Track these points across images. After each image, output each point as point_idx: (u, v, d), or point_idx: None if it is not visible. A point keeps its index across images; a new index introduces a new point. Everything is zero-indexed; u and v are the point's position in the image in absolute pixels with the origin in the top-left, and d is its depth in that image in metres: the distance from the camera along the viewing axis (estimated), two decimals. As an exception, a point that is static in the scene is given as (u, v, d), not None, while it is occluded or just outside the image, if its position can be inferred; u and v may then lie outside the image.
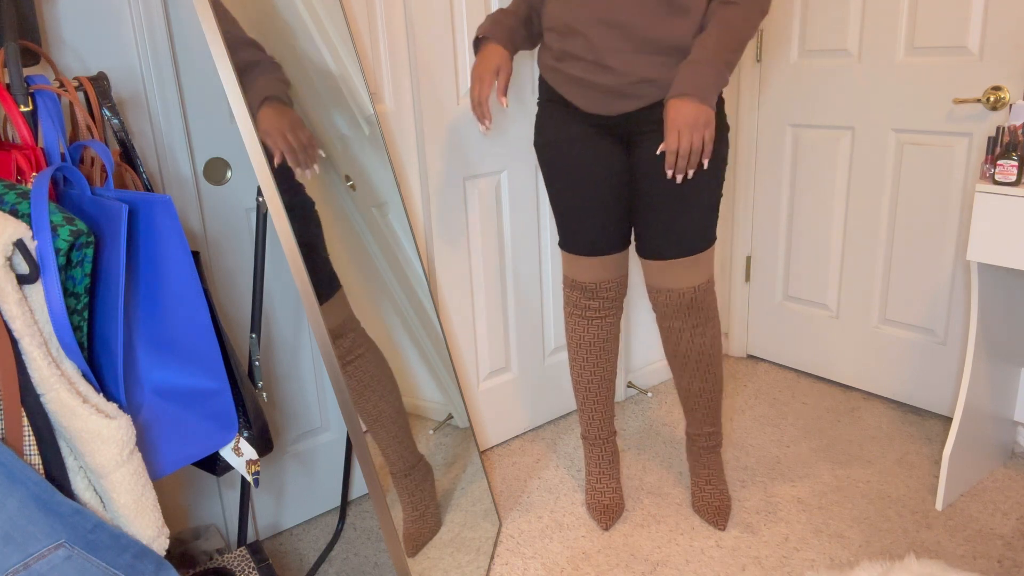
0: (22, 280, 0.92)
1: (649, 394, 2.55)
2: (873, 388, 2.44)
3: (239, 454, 1.25)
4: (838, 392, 2.50)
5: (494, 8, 1.98)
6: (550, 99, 1.69)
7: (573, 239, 1.75)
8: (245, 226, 1.71)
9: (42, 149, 1.12)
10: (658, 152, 1.56)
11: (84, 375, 0.99)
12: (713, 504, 1.89)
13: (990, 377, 1.90)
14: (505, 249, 2.15)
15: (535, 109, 2.12)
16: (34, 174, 1.08)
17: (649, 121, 1.60)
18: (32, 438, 0.93)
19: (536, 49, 1.82)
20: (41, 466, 0.94)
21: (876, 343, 2.39)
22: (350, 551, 1.83)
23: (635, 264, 2.45)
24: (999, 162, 1.64)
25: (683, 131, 1.44)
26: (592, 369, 1.87)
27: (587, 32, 1.52)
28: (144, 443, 1.10)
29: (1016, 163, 1.62)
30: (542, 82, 1.70)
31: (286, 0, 1.55)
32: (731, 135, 2.60)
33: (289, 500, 1.91)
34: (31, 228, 0.93)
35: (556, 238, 2.24)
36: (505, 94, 1.60)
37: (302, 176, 1.45)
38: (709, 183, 1.61)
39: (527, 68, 2.07)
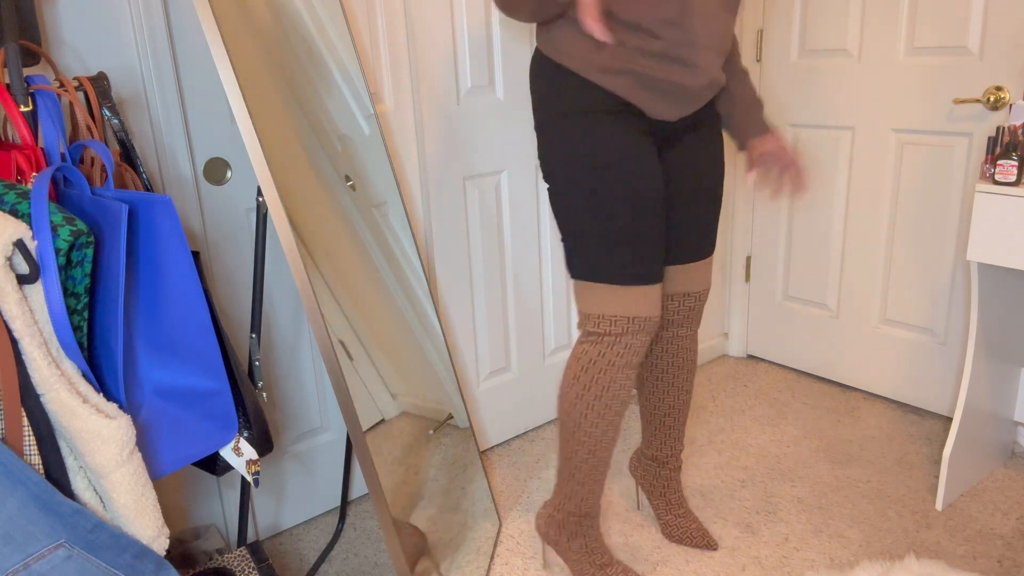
0: (22, 280, 0.92)
1: (649, 394, 2.55)
2: (873, 388, 2.44)
3: (239, 454, 1.25)
4: (838, 392, 2.50)
5: (494, 9, 1.98)
6: (601, 109, 1.42)
7: (635, 265, 1.48)
8: (245, 226, 1.71)
9: (42, 149, 1.12)
10: (757, 175, 1.58)
11: (84, 375, 0.99)
12: (695, 528, 1.79)
13: (990, 377, 1.90)
14: (505, 249, 2.15)
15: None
16: (34, 174, 1.08)
17: (691, 122, 1.53)
18: (32, 438, 0.93)
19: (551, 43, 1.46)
20: (41, 466, 0.94)
21: (876, 343, 2.39)
22: (350, 551, 1.83)
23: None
24: (999, 162, 1.64)
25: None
26: (616, 430, 1.56)
27: (657, 30, 1.34)
28: (144, 443, 1.10)
29: (1016, 163, 1.62)
30: (590, 88, 1.42)
31: (286, 1, 1.55)
32: (731, 135, 2.60)
33: (289, 500, 1.91)
34: (31, 228, 0.93)
35: (557, 237, 2.24)
36: None
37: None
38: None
39: (522, 65, 2.07)
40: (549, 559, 1.76)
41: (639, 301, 1.49)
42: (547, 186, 1.53)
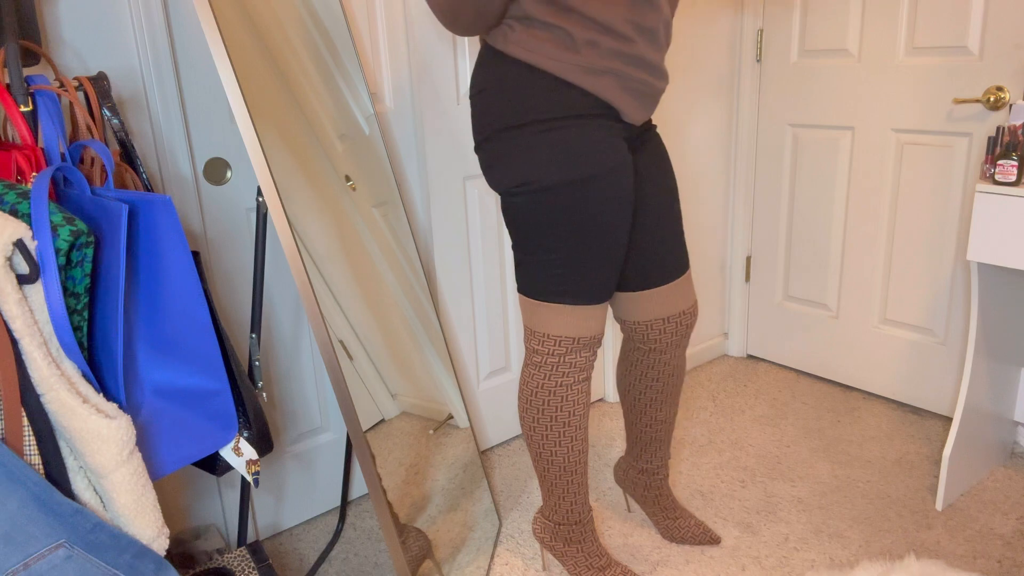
0: (22, 280, 0.92)
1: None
2: (873, 388, 2.44)
3: (239, 454, 1.25)
4: (838, 392, 2.50)
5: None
6: (582, 113, 1.32)
7: (598, 288, 1.41)
8: (245, 226, 1.71)
9: (42, 149, 1.12)
10: None
11: (84, 375, 0.99)
12: (694, 526, 1.78)
13: (990, 377, 1.90)
14: (505, 249, 2.15)
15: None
16: (34, 174, 1.08)
17: (644, 128, 1.50)
18: (32, 438, 0.93)
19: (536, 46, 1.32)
20: (41, 466, 0.94)
21: (876, 343, 2.39)
22: (350, 551, 1.83)
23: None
24: (999, 162, 1.64)
25: None
26: (584, 439, 1.54)
27: (632, 35, 1.30)
28: (144, 443, 1.10)
29: (1016, 163, 1.62)
30: (569, 90, 1.31)
31: (286, 1, 1.55)
32: (731, 135, 2.60)
33: (289, 500, 1.91)
34: (31, 228, 0.93)
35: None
36: None
37: None
38: None
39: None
40: (548, 560, 1.76)
41: (590, 320, 1.43)
42: (503, 197, 1.40)
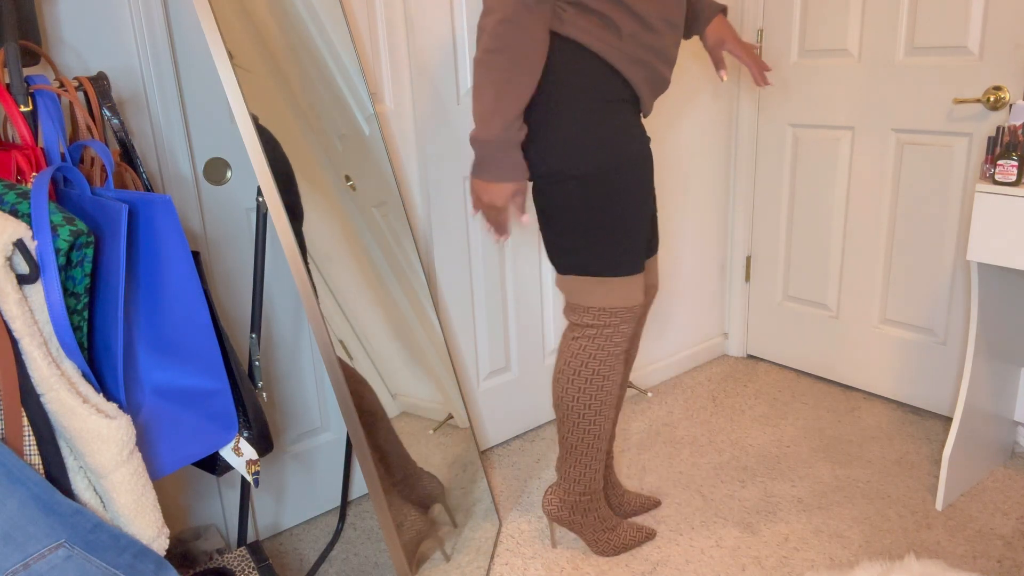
0: (22, 280, 0.92)
1: (649, 394, 2.55)
2: (873, 388, 2.44)
3: (239, 454, 1.25)
4: (838, 392, 2.50)
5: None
6: (619, 98, 1.42)
7: (643, 256, 1.54)
8: (245, 226, 1.71)
9: (42, 149, 1.12)
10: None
11: (84, 375, 0.99)
12: (635, 497, 1.92)
13: (990, 377, 1.90)
14: (505, 249, 2.15)
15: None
16: (34, 174, 1.08)
17: None
18: (32, 438, 0.93)
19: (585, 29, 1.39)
20: (41, 466, 0.94)
21: (876, 343, 2.39)
22: (350, 551, 1.83)
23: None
24: (999, 162, 1.64)
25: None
26: (612, 413, 1.63)
27: (664, 29, 1.42)
28: (144, 443, 1.10)
29: (1016, 163, 1.62)
30: (612, 76, 1.40)
31: (286, 1, 1.55)
32: (731, 135, 2.60)
33: (289, 500, 1.91)
34: (31, 228, 0.93)
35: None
36: (525, 211, 1.46)
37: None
38: None
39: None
40: (557, 538, 1.82)
41: (638, 289, 1.54)
42: (547, 184, 1.45)
